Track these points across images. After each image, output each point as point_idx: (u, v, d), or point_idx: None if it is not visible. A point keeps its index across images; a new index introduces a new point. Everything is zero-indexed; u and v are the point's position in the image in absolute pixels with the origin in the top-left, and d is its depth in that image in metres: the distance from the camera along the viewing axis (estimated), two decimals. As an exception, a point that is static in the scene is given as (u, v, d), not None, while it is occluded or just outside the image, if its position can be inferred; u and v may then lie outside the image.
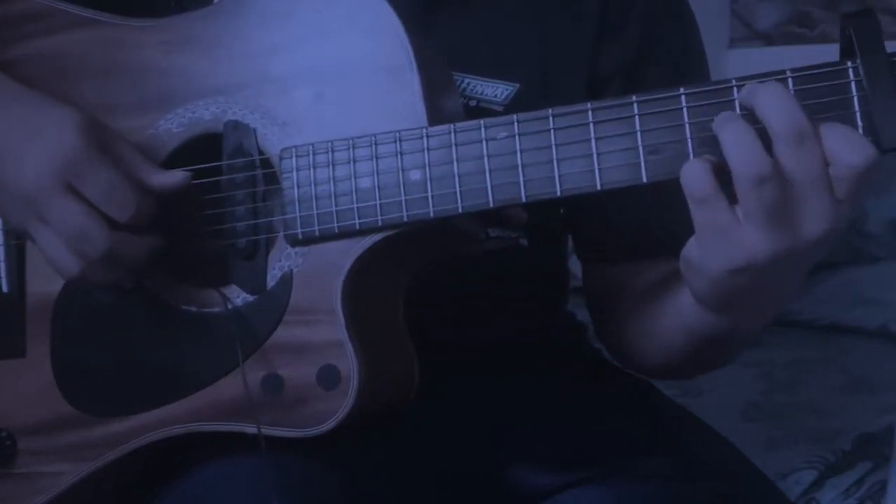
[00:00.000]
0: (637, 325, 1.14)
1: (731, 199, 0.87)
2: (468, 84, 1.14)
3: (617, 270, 1.20)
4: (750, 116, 0.87)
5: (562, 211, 1.25)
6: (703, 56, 1.22)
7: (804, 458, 1.63)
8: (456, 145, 0.96)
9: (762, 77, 0.89)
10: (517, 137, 0.94)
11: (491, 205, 0.95)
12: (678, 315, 1.04)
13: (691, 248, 0.91)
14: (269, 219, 1.03)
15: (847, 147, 0.85)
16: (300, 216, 1.00)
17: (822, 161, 0.86)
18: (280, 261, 1.02)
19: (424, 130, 0.97)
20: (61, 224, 1.01)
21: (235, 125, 1.04)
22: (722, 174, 0.87)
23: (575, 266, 1.38)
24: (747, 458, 1.16)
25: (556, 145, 0.93)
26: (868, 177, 0.86)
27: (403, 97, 0.98)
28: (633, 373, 1.23)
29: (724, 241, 0.88)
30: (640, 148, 0.91)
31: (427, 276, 1.06)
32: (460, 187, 0.96)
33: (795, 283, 0.95)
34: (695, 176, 0.87)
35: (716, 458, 1.14)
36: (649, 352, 1.14)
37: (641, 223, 1.12)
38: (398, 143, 0.97)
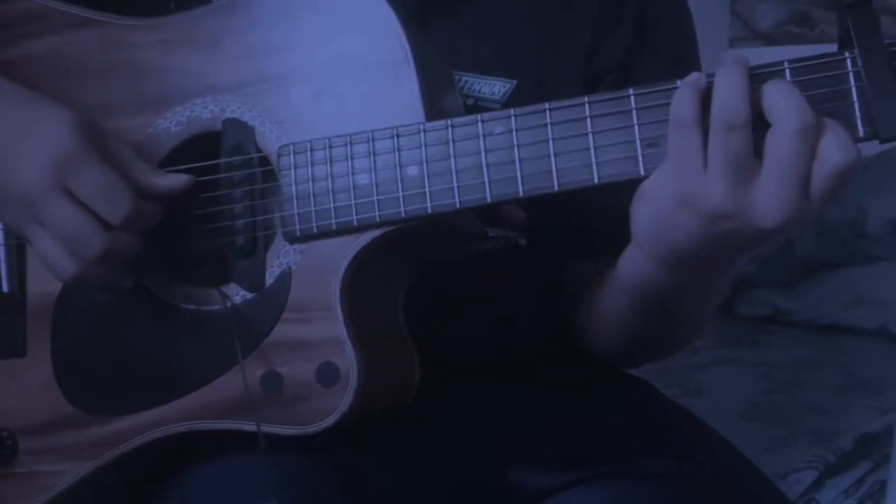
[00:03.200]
0: (587, 309, 1.15)
1: None
2: (465, 82, 1.14)
3: (579, 267, 1.20)
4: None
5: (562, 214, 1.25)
6: (696, 52, 1.22)
7: (804, 458, 1.63)
8: (453, 141, 0.96)
9: (760, 69, 0.89)
10: (514, 132, 0.95)
11: (488, 200, 0.96)
12: (617, 281, 1.06)
13: (652, 178, 0.93)
14: (268, 216, 1.04)
15: (834, 147, 0.87)
16: (298, 213, 1.00)
17: (809, 159, 0.87)
18: (278, 258, 1.02)
19: (422, 126, 0.97)
20: (56, 226, 1.01)
21: (234, 123, 1.04)
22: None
23: (575, 267, 1.38)
24: (747, 457, 1.16)
25: (554, 140, 0.93)
26: (846, 179, 0.88)
27: (401, 94, 0.98)
28: (604, 359, 1.23)
29: (685, 170, 0.90)
30: (638, 141, 0.91)
31: (427, 277, 1.06)
32: (458, 182, 0.96)
33: (734, 264, 0.98)
34: (682, 99, 0.89)
35: (716, 457, 1.14)
36: (602, 333, 1.15)
37: (603, 226, 1.13)
38: (395, 138, 0.98)
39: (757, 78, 0.89)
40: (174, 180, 1.04)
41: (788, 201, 0.88)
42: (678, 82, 0.90)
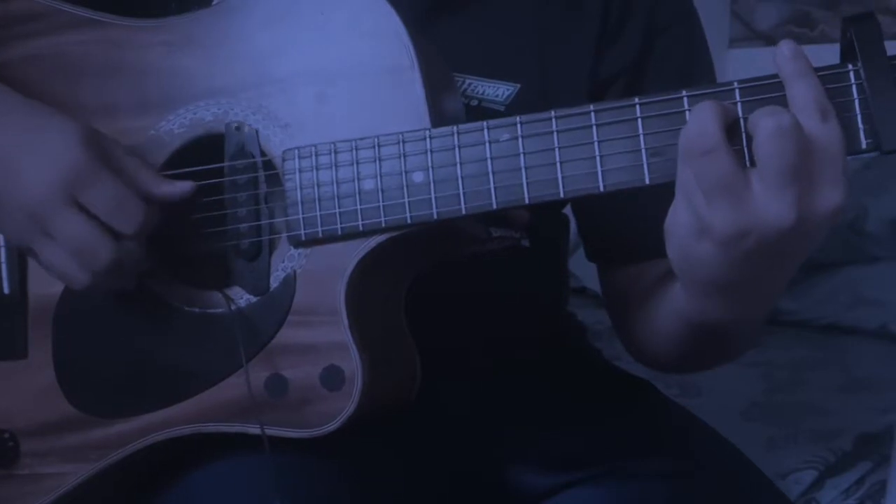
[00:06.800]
0: (641, 320, 1.14)
1: None
2: (469, 84, 1.14)
3: (622, 273, 1.21)
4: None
5: (563, 211, 1.25)
6: (707, 57, 1.22)
7: (804, 458, 1.63)
8: (459, 147, 0.96)
9: (765, 79, 0.89)
10: (520, 139, 0.95)
11: (494, 206, 0.95)
12: (670, 304, 1.04)
13: (670, 213, 0.90)
14: (272, 220, 1.04)
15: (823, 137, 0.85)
16: (303, 217, 1.00)
17: (796, 153, 0.84)
18: (283, 262, 1.02)
19: (427, 132, 0.97)
20: (67, 238, 1.01)
21: (237, 126, 1.04)
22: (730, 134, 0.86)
23: (575, 267, 1.38)
24: (747, 457, 1.17)
25: (560, 147, 0.93)
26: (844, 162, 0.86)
27: (406, 98, 0.98)
28: (650, 368, 1.23)
29: (691, 201, 0.87)
30: (643, 150, 0.91)
31: (428, 277, 1.06)
32: (464, 189, 0.96)
33: (786, 273, 0.94)
34: (701, 128, 0.86)
35: (716, 457, 1.15)
36: (653, 345, 1.14)
37: (639, 229, 1.12)
38: (401, 144, 0.98)
39: (757, 90, 0.89)
40: (180, 187, 1.04)
41: (790, 197, 0.84)
42: (683, 92, 0.90)
